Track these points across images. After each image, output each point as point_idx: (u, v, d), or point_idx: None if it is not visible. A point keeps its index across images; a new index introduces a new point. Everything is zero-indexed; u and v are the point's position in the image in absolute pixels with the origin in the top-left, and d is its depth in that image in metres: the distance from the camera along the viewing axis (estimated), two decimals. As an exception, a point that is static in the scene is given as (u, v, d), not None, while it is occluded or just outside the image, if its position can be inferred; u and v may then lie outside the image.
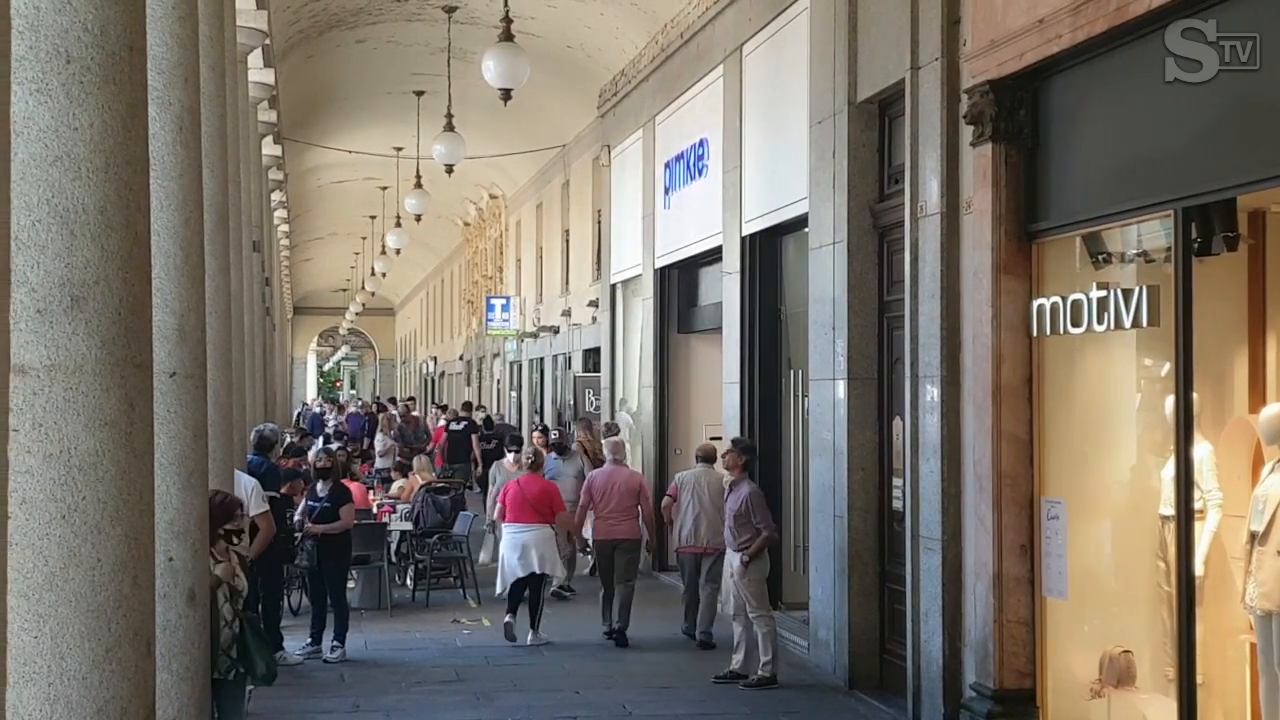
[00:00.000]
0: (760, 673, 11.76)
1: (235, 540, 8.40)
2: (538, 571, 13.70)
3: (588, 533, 14.57)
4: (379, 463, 25.58)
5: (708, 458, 13.79)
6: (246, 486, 10.57)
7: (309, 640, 13.34)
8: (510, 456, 17.53)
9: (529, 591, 13.80)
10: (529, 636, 13.71)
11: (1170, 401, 8.15)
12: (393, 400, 42.15)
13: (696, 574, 13.54)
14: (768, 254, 15.00)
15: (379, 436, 27.63)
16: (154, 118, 6.77)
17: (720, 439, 15.70)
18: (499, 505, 14.64)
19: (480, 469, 25.19)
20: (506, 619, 13.74)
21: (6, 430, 3.28)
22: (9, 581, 3.69)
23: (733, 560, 12.06)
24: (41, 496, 3.77)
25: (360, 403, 48.53)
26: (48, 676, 3.71)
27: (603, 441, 16.57)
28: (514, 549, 13.74)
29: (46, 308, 3.83)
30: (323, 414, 39.10)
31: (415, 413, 34.33)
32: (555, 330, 27.54)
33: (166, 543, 6.93)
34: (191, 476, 7.39)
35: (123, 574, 3.91)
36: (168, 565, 7.01)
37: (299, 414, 40.33)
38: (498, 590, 14.10)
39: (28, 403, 3.78)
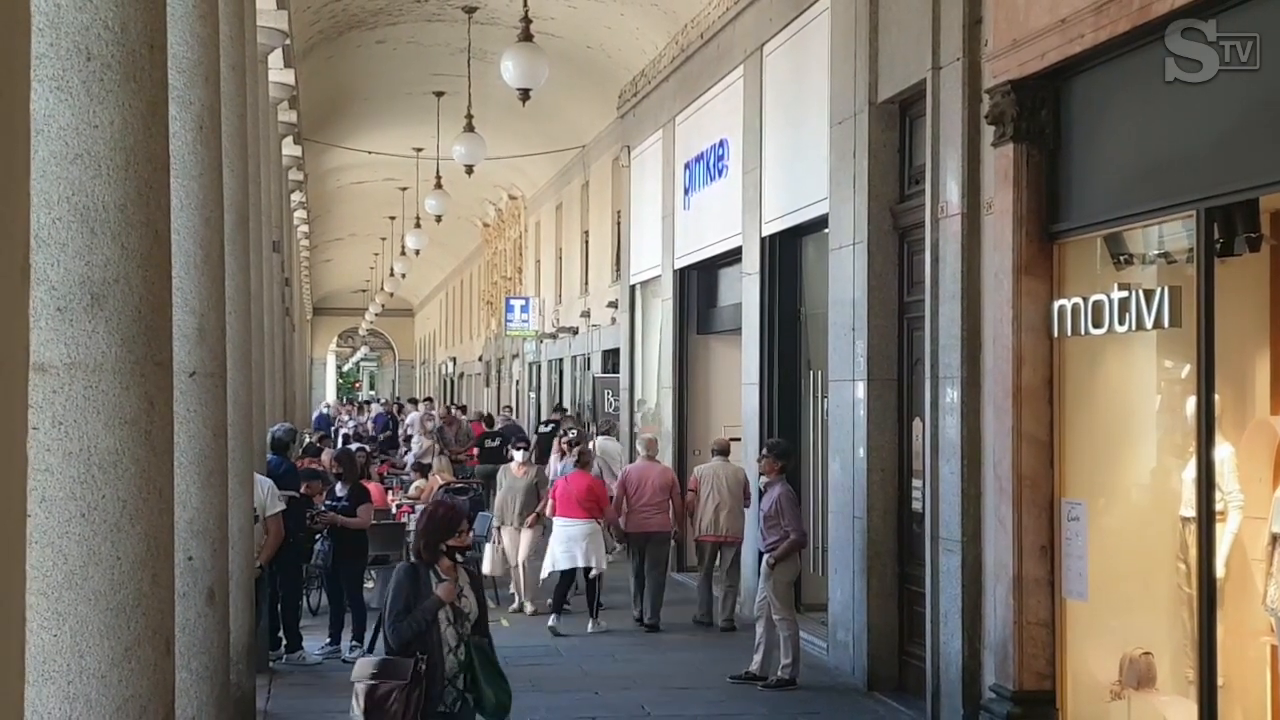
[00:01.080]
0: (779, 674, 11.75)
1: (460, 556, 7.69)
2: (581, 565, 14.57)
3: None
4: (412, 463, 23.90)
5: (723, 451, 14.82)
6: (262, 486, 10.58)
7: (328, 640, 13.36)
8: (518, 457, 16.38)
9: (585, 584, 14.94)
10: (590, 625, 14.48)
11: (1191, 403, 8.11)
12: (412, 401, 42.07)
13: (714, 561, 14.54)
14: (787, 255, 14.97)
15: (415, 438, 26.74)
16: (174, 116, 6.78)
17: (740, 439, 15.73)
18: (550, 501, 15.06)
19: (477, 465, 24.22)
20: (551, 621, 14.49)
21: (26, 428, 3.28)
22: (29, 580, 3.69)
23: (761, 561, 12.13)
24: (61, 495, 3.77)
25: (383, 402, 48.52)
26: (67, 675, 3.71)
27: (637, 439, 18.07)
28: (561, 542, 14.67)
29: (67, 305, 3.83)
30: (329, 414, 38.56)
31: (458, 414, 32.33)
32: (574, 331, 27.54)
33: (186, 541, 6.94)
34: (211, 476, 7.40)
35: (142, 572, 3.91)
36: (187, 564, 7.02)
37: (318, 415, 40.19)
38: (543, 576, 15.18)
39: (48, 400, 3.78)
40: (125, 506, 3.87)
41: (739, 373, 16.04)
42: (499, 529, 15.71)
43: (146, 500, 3.94)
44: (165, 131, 4.24)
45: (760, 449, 13.15)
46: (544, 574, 15.11)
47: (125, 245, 3.94)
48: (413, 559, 7.83)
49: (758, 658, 11.98)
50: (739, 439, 15.87)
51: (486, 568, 15.32)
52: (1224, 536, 8.23)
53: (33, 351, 3.75)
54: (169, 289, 4.22)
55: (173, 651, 4.13)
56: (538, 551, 15.37)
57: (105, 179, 3.92)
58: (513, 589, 15.92)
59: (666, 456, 18.63)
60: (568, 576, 14.71)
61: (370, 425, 34.50)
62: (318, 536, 13.18)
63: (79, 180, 3.91)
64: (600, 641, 13.97)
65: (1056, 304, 9.16)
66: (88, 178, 3.92)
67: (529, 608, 15.44)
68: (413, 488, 19.48)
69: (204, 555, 7.21)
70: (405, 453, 27.17)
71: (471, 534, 15.37)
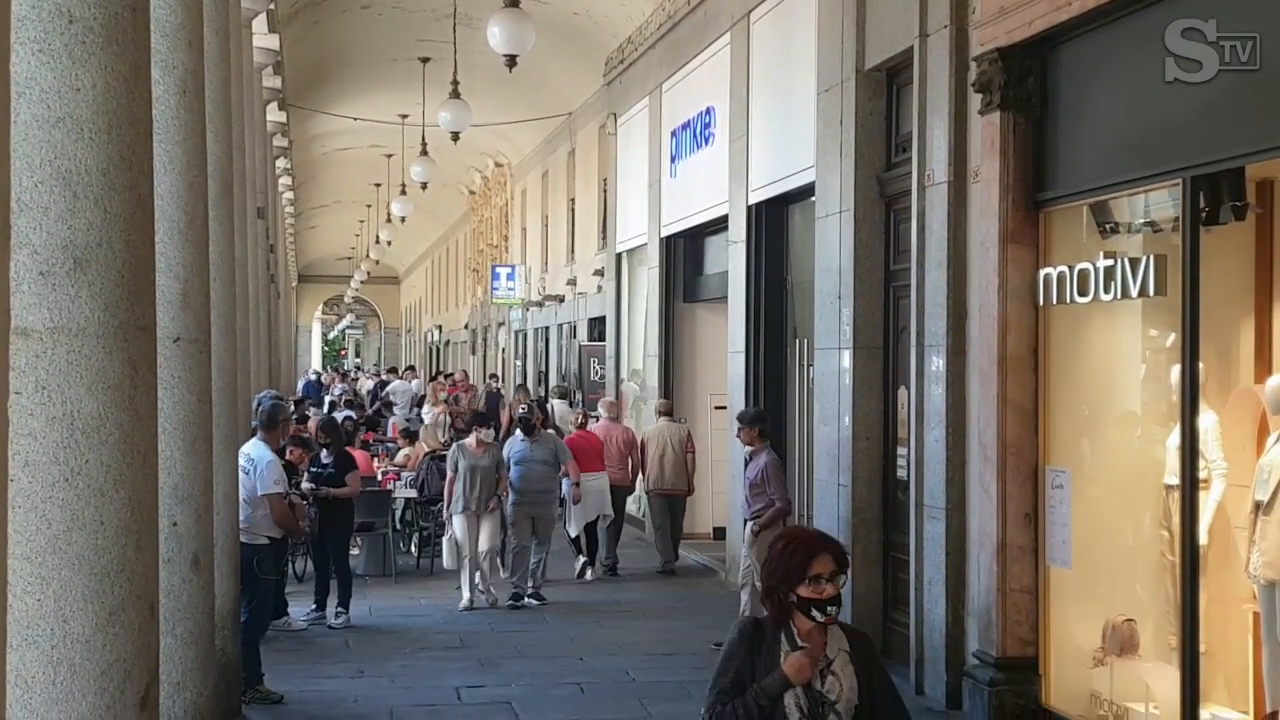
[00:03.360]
0: None
1: (825, 612, 4.88)
2: (600, 514, 15.72)
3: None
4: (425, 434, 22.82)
5: (668, 413, 16.88)
6: (262, 464, 10.57)
7: (313, 606, 13.38)
8: (473, 438, 14.29)
9: (586, 534, 15.79)
10: (588, 573, 15.77)
11: (1176, 371, 8.12)
12: (394, 370, 41.98)
13: (667, 512, 16.29)
14: (774, 223, 14.95)
15: (427, 408, 24.84)
16: (157, 81, 6.74)
17: (725, 408, 15.76)
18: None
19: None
20: (589, 574, 15.83)
21: (7, 392, 3.27)
22: (12, 544, 3.69)
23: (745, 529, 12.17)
24: (45, 459, 3.76)
25: (372, 370, 48.44)
26: (51, 639, 3.71)
27: (599, 402, 18.97)
28: (589, 495, 15.55)
29: (49, 270, 3.82)
30: (319, 382, 38.57)
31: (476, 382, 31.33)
32: (560, 299, 27.50)
33: (170, 508, 6.94)
34: (196, 442, 7.39)
35: (126, 538, 3.90)
36: (172, 530, 7.01)
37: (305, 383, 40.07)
38: (572, 534, 15.97)
39: (30, 365, 3.76)
40: (109, 471, 3.86)
41: (725, 341, 16.04)
42: (450, 517, 14.19)
43: (130, 465, 3.93)
44: (148, 95, 4.21)
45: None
46: (572, 534, 15.95)
47: (108, 209, 3.92)
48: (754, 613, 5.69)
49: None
50: (724, 407, 15.89)
51: (447, 562, 14.34)
52: (1207, 504, 8.27)
53: (15, 316, 3.74)
54: (152, 254, 4.20)
55: (157, 616, 4.12)
56: (492, 543, 14.26)
57: (87, 142, 3.90)
58: (462, 585, 14.11)
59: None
60: (590, 529, 15.77)
61: (367, 396, 34.23)
62: (304, 501, 13.17)
63: (61, 144, 3.89)
64: (585, 608, 14.01)
65: (1042, 272, 9.17)
66: (70, 141, 3.89)
67: (487, 599, 14.04)
68: (400, 455, 19.47)
69: (189, 521, 7.21)
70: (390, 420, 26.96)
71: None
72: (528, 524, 14.33)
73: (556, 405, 21.72)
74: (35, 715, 3.65)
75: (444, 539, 14.46)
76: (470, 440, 14.32)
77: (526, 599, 14.15)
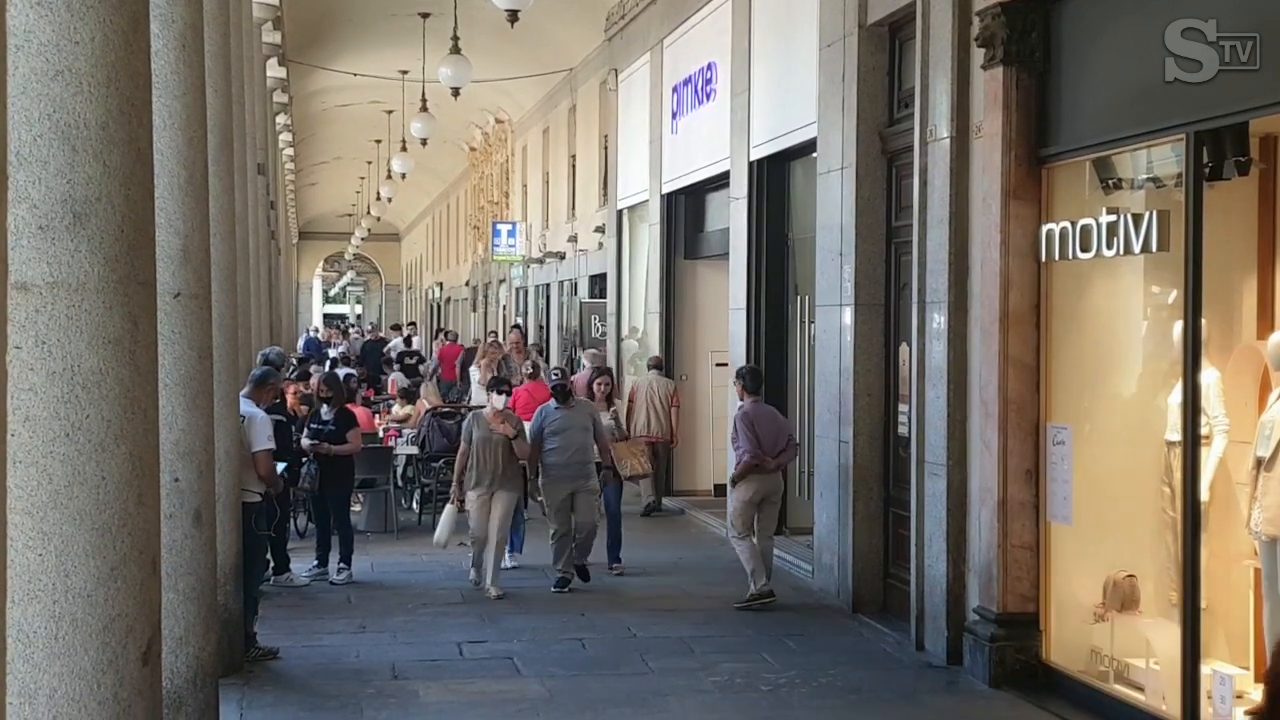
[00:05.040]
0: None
1: None
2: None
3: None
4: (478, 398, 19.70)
5: (658, 366, 17.46)
6: (255, 419, 10.57)
7: (315, 563, 13.41)
8: (499, 400, 12.80)
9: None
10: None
11: (1178, 327, 8.11)
12: (396, 328, 42.01)
13: (655, 457, 16.17)
14: (775, 179, 14.91)
15: (473, 370, 21.69)
16: (156, 35, 6.71)
17: (726, 365, 15.76)
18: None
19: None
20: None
21: (7, 346, 3.26)
22: (13, 499, 3.69)
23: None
24: (45, 414, 3.76)
25: (369, 327, 48.48)
26: (52, 594, 3.71)
27: (584, 353, 19.35)
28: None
29: (49, 224, 3.80)
30: (318, 339, 38.62)
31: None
32: (561, 256, 27.46)
33: (172, 463, 6.94)
34: (197, 398, 7.38)
35: (127, 492, 3.90)
36: (173, 486, 7.02)
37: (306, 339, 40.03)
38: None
39: (30, 320, 3.75)
40: (110, 426, 3.86)
41: (726, 298, 16.02)
42: (460, 493, 12.79)
43: (131, 420, 3.92)
44: (147, 48, 4.19)
45: None
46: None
47: (107, 163, 3.90)
48: None
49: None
50: (725, 364, 15.90)
51: (440, 535, 13.07)
52: (1209, 461, 8.27)
53: (15, 270, 3.73)
54: (152, 208, 4.18)
55: (159, 572, 4.13)
56: (503, 530, 12.68)
57: (87, 96, 3.88)
58: (470, 569, 12.85)
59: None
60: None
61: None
62: (304, 460, 13.18)
63: (60, 97, 3.87)
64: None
65: (1044, 228, 9.15)
66: (69, 94, 3.87)
67: (494, 591, 12.40)
68: (400, 411, 19.47)
69: (190, 477, 7.21)
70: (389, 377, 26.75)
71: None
72: (566, 505, 12.70)
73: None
74: (37, 669, 3.66)
75: (443, 513, 13.24)
76: (488, 408, 12.89)
77: (573, 579, 12.82)
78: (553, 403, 12.93)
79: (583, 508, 12.77)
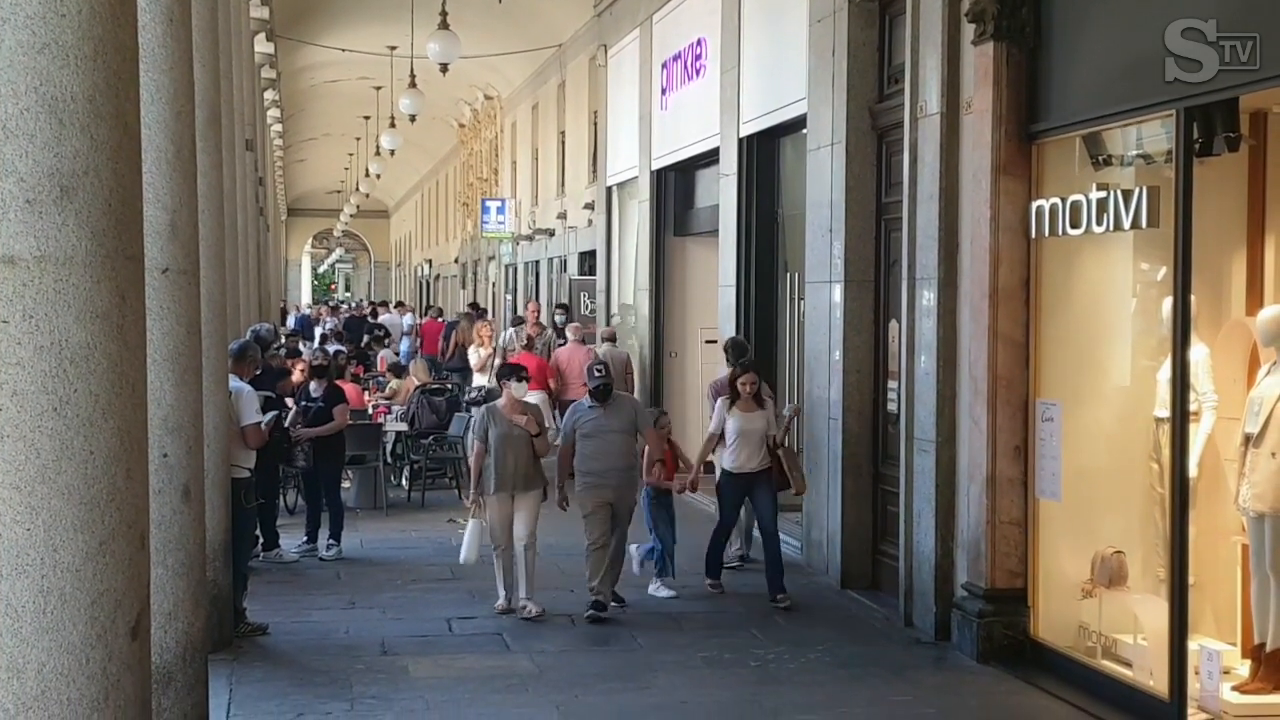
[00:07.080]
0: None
1: None
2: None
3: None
4: (477, 380, 19.85)
5: (611, 339, 18.24)
6: (242, 394, 10.55)
7: (305, 539, 13.42)
8: (517, 387, 11.09)
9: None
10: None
11: (1168, 303, 8.12)
12: (384, 305, 41.95)
13: None
14: (765, 156, 14.89)
15: (473, 350, 20.50)
16: (143, 8, 6.68)
17: (715, 342, 15.76)
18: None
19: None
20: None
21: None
22: (1, 474, 3.68)
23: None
24: (33, 389, 3.74)
25: (356, 304, 48.48)
26: (40, 569, 3.70)
27: (568, 328, 19.22)
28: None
29: (36, 198, 3.78)
30: (308, 316, 38.62)
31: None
32: (551, 233, 27.44)
33: (161, 439, 6.93)
34: (185, 374, 7.36)
35: (116, 467, 3.88)
36: (162, 461, 7.01)
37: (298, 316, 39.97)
38: None
39: (17, 294, 3.73)
40: (98, 401, 3.84)
41: (716, 275, 16.01)
42: (480, 500, 11.06)
43: (119, 395, 3.90)
44: (134, 21, 4.16)
45: None
46: None
47: (94, 137, 3.88)
48: None
49: (736, 546, 12.34)
50: (715, 341, 15.89)
51: (467, 555, 11.22)
52: (1197, 437, 8.30)
53: (1, 244, 3.71)
54: (139, 182, 4.16)
55: (148, 547, 4.11)
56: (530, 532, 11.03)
57: (73, 69, 3.85)
58: (501, 586, 11.08)
59: (645, 359, 18.76)
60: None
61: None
62: (291, 439, 13.18)
63: (46, 70, 3.84)
64: (575, 543, 14.00)
65: (1034, 204, 9.15)
66: (55, 67, 3.84)
67: (534, 609, 10.83)
68: (388, 388, 19.46)
69: (179, 453, 7.19)
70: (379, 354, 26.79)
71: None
72: (605, 513, 10.87)
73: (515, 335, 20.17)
74: (26, 644, 3.65)
75: (466, 529, 11.31)
76: (501, 399, 11.17)
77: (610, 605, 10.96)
78: (586, 400, 11.16)
79: (623, 523, 11.05)
